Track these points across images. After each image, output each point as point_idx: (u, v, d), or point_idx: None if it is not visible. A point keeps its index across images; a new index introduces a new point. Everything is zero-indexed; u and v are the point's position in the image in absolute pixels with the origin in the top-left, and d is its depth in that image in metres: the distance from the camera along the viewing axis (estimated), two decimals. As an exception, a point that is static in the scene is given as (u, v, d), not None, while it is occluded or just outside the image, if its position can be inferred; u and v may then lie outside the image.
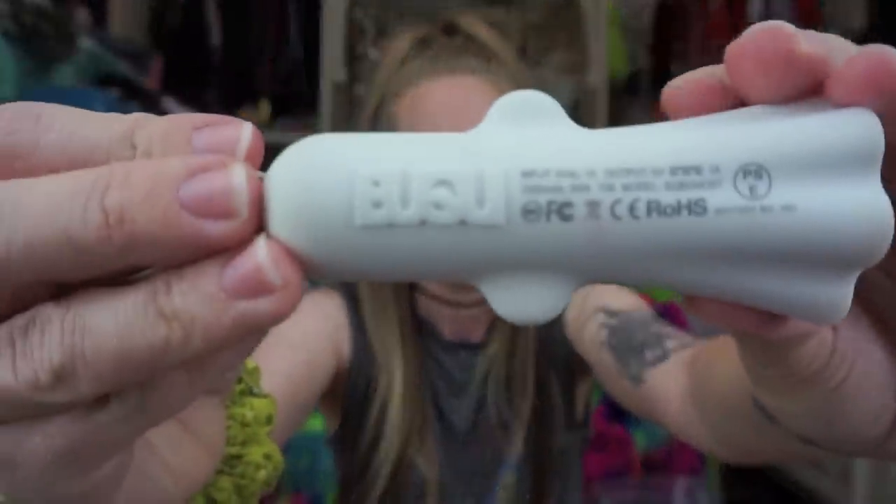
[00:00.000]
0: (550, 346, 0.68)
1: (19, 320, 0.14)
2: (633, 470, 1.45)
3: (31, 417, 0.14)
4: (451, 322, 0.67)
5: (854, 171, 0.15)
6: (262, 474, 0.25)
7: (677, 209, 0.15)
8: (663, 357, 0.52)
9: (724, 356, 0.38)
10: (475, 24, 0.63)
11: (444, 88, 0.60)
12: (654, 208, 0.15)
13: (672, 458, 1.44)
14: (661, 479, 1.42)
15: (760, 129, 0.16)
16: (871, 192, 0.15)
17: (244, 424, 0.25)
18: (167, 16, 2.57)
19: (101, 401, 0.14)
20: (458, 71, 0.60)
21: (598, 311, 0.61)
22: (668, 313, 1.51)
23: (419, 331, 0.67)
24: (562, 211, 0.15)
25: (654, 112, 2.73)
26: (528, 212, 0.15)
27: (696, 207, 0.15)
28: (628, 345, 0.56)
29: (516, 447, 0.66)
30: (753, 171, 0.15)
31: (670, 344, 0.53)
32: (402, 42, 0.64)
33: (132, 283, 0.14)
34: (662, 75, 2.77)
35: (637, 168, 0.15)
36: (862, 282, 0.18)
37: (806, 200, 0.15)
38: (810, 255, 0.15)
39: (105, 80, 1.58)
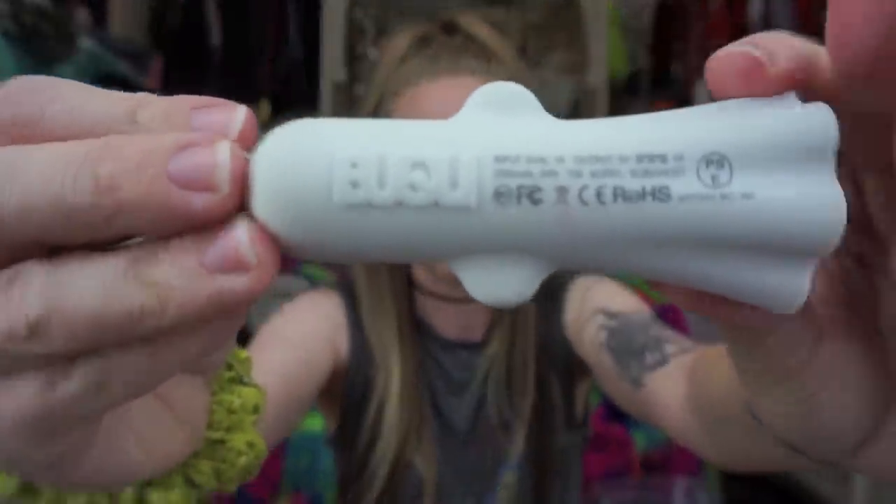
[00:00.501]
0: (550, 347, 0.68)
1: (4, 275, 0.15)
2: (632, 470, 1.45)
3: (3, 374, 0.15)
4: (451, 321, 0.67)
5: (810, 164, 0.16)
6: (243, 461, 0.26)
7: (642, 195, 0.16)
8: (663, 361, 0.52)
9: (721, 363, 0.38)
10: (475, 24, 0.63)
11: (443, 89, 0.59)
12: (619, 194, 0.16)
13: (671, 458, 1.44)
14: (660, 479, 1.42)
15: (725, 121, 0.17)
16: (826, 182, 0.16)
17: (230, 411, 0.25)
18: (167, 16, 2.57)
19: (67, 371, 0.15)
20: (457, 71, 0.60)
21: (597, 313, 0.61)
22: (667, 314, 1.51)
23: (417, 330, 0.67)
24: (532, 195, 0.16)
25: (653, 111, 2.73)
26: (500, 195, 0.15)
27: (660, 194, 0.16)
28: (628, 347, 0.56)
29: (517, 446, 0.66)
30: (716, 161, 0.16)
31: (669, 349, 0.53)
32: (401, 40, 0.63)
33: (118, 249, 0.15)
34: (662, 75, 2.77)
35: (605, 155, 0.16)
36: (840, 276, 0.19)
37: (764, 190, 0.16)
38: (768, 242, 0.16)
39: (105, 80, 1.59)
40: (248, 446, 0.26)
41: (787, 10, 2.55)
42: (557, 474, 0.68)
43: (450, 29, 0.63)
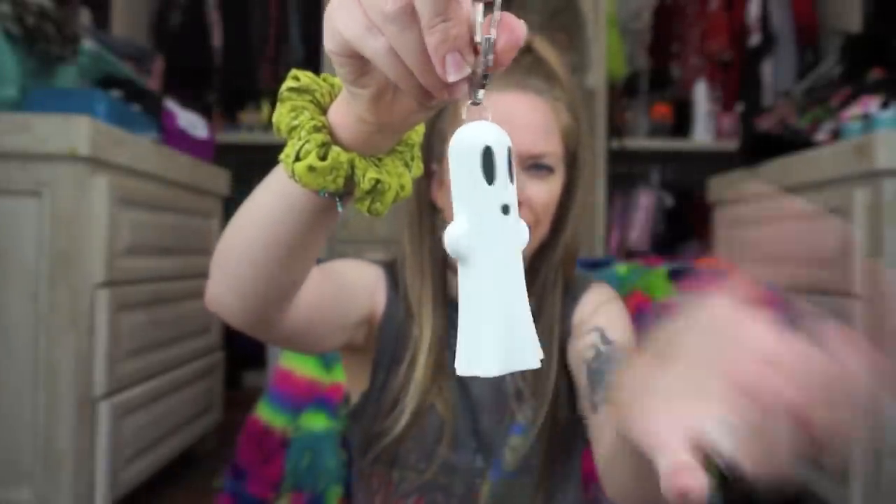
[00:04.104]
0: (563, 335, 0.71)
1: None
2: (631, 469, 1.46)
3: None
4: None
5: None
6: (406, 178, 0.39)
7: None
8: None
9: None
10: (546, 48, 0.68)
11: (511, 100, 0.65)
12: None
13: (670, 457, 1.45)
14: (659, 478, 1.43)
15: None
16: None
17: (409, 144, 0.40)
18: (168, 17, 2.58)
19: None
20: (526, 89, 0.65)
21: (596, 331, 0.65)
22: (666, 313, 1.52)
23: (447, 304, 0.71)
24: None
25: (651, 112, 2.74)
26: None
27: None
28: (601, 375, 0.60)
29: (526, 415, 0.70)
30: None
31: None
32: None
33: None
34: (661, 76, 2.78)
35: None
36: None
37: None
38: None
39: (107, 80, 1.59)
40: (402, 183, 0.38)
41: (784, 12, 2.57)
42: (561, 444, 0.71)
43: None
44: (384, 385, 0.70)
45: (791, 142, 1.73)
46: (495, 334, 0.26)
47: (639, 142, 2.62)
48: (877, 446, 1.34)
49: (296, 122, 0.36)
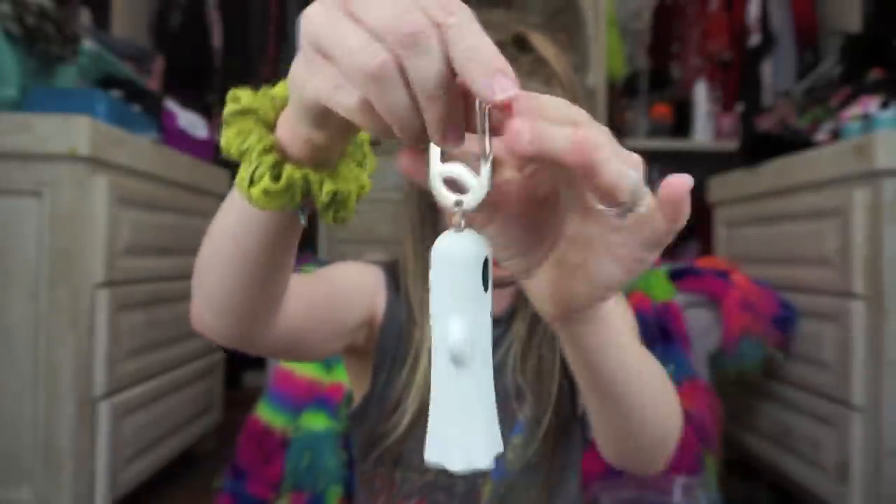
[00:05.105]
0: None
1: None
2: (631, 469, 1.46)
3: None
4: None
5: None
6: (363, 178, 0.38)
7: None
8: None
9: None
10: (546, 47, 0.66)
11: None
12: None
13: (671, 457, 1.45)
14: (659, 478, 1.43)
15: None
16: None
17: (358, 143, 0.39)
18: (168, 17, 2.58)
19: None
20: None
21: None
22: (666, 313, 1.52)
23: None
24: None
25: (651, 112, 2.74)
26: None
27: None
28: None
29: (526, 414, 0.70)
30: None
31: None
32: None
33: None
34: (661, 76, 2.78)
35: None
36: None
37: None
38: None
39: (107, 80, 1.59)
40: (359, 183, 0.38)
41: (784, 12, 2.57)
42: (562, 443, 0.72)
43: (521, 44, 0.64)
44: (386, 386, 0.70)
45: (791, 142, 1.73)
46: (482, 432, 0.28)
47: (639, 142, 2.62)
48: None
49: (245, 146, 0.35)
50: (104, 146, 1.33)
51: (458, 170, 0.28)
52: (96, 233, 1.32)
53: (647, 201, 0.28)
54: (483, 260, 0.28)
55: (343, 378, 1.30)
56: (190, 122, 1.85)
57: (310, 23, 0.27)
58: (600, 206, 0.28)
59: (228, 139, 0.36)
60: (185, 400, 1.76)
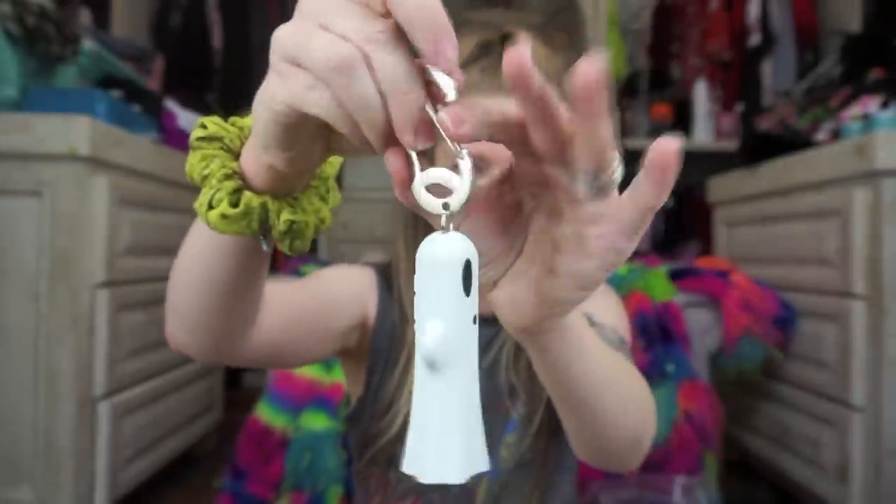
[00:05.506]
0: None
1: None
2: (631, 469, 1.46)
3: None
4: None
5: None
6: (323, 212, 0.39)
7: None
8: None
9: None
10: (536, 47, 0.65)
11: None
12: None
13: (670, 457, 1.45)
14: (659, 478, 1.43)
15: None
16: None
17: (323, 178, 0.39)
18: (169, 17, 2.58)
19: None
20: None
21: (583, 316, 0.64)
22: (666, 313, 1.52)
23: None
24: None
25: (651, 112, 2.74)
26: None
27: None
28: None
29: (519, 412, 0.70)
30: None
31: None
32: (463, 47, 0.64)
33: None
34: (661, 76, 2.78)
35: None
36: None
37: None
38: None
39: (107, 80, 1.59)
40: (320, 216, 0.38)
41: (784, 12, 2.57)
42: (555, 440, 0.71)
43: (509, 43, 0.64)
44: (379, 388, 0.70)
45: (791, 142, 1.73)
46: (458, 444, 0.28)
47: (639, 142, 2.62)
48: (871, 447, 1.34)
49: (207, 171, 0.36)
50: (104, 146, 1.33)
51: (439, 173, 0.27)
52: (96, 233, 1.32)
53: (617, 166, 0.27)
54: (465, 262, 0.27)
55: (343, 378, 1.30)
56: (190, 122, 1.85)
57: (279, 38, 0.27)
58: (576, 183, 0.27)
59: (192, 164, 0.37)
60: (185, 400, 1.76)
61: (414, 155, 0.27)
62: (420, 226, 0.69)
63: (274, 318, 0.52)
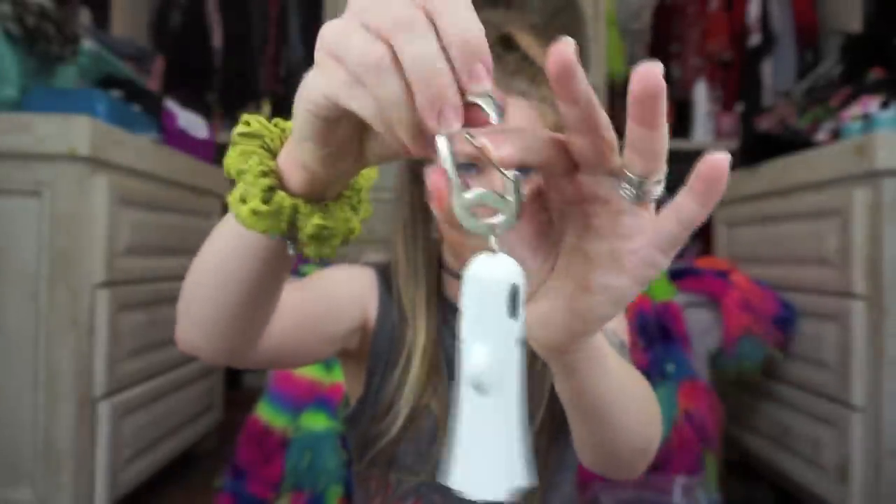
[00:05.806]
0: None
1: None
2: (631, 469, 1.46)
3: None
4: None
5: None
6: (353, 221, 0.39)
7: None
8: None
9: None
10: (531, 46, 0.65)
11: None
12: None
13: (671, 457, 1.45)
14: (659, 478, 1.43)
15: None
16: None
17: (356, 189, 0.40)
18: (168, 17, 2.58)
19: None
20: (510, 91, 0.63)
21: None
22: (666, 313, 1.52)
23: (441, 303, 0.72)
24: None
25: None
26: None
27: None
28: None
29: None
30: None
31: None
32: None
33: None
34: (661, 77, 2.78)
35: None
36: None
37: None
38: None
39: (107, 80, 1.59)
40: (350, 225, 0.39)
41: (784, 12, 2.57)
42: (556, 441, 0.71)
43: (506, 43, 0.64)
44: (379, 388, 0.70)
45: (791, 142, 1.73)
46: (502, 462, 0.28)
47: (639, 142, 2.62)
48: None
49: (244, 167, 0.36)
50: (104, 146, 1.33)
51: (481, 194, 0.27)
52: (96, 233, 1.32)
53: (662, 176, 0.27)
54: (511, 286, 0.27)
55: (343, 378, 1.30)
56: (190, 122, 1.85)
57: (324, 34, 0.28)
58: (617, 190, 0.27)
59: (230, 159, 0.37)
60: (185, 400, 1.76)
61: (455, 174, 0.27)
62: (419, 227, 0.69)
63: (281, 321, 0.52)
